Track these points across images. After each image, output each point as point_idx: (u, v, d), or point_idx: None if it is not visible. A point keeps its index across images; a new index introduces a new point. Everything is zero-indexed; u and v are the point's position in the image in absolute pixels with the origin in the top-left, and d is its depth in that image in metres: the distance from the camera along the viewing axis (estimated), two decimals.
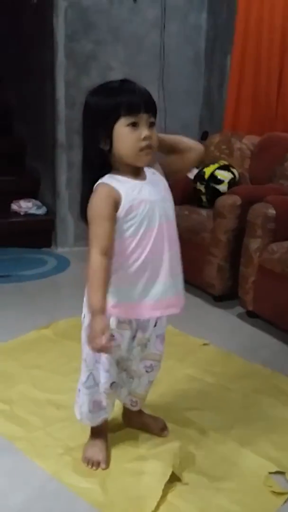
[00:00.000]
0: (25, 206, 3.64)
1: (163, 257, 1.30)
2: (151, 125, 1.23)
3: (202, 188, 2.93)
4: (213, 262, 2.63)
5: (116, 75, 3.53)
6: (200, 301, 2.73)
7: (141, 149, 1.21)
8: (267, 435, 1.62)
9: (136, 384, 1.51)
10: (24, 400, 1.77)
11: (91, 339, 1.21)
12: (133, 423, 1.62)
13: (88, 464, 1.46)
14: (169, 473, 1.40)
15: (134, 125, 1.20)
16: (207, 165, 2.96)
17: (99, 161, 1.25)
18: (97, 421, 1.48)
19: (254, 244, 2.38)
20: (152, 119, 1.23)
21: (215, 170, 2.91)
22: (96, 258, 1.20)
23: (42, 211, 3.66)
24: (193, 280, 2.81)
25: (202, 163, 3.18)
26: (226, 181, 2.88)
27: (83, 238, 3.59)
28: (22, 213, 3.63)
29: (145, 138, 1.20)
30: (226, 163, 2.99)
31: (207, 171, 2.92)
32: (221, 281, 2.63)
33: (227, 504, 1.34)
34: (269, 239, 2.36)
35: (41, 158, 3.77)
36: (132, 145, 1.21)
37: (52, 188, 3.56)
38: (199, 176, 2.95)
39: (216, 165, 2.93)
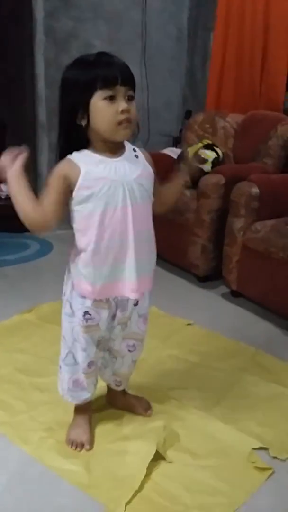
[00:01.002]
0: (6, 189, 3.57)
1: (128, 238, 1.27)
2: (130, 98, 1.20)
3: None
4: (197, 242, 2.61)
5: None
6: (184, 281, 2.72)
7: (119, 123, 1.19)
8: (251, 413, 1.63)
9: (120, 364, 1.50)
10: (7, 384, 1.75)
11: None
12: (117, 403, 1.61)
13: (72, 445, 1.45)
14: (153, 452, 1.40)
15: (111, 98, 1.17)
16: (191, 145, 2.93)
17: (75, 137, 1.23)
18: (79, 400, 1.48)
19: (237, 223, 2.37)
20: (130, 93, 1.20)
21: (199, 149, 2.87)
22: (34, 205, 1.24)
23: None
24: (177, 260, 2.80)
25: (185, 143, 3.15)
26: (210, 160, 2.85)
27: (66, 221, 3.54)
28: (3, 197, 3.55)
29: (123, 111, 1.18)
30: (210, 142, 2.95)
31: (191, 150, 2.88)
32: (205, 261, 2.62)
33: (212, 481, 1.35)
34: (252, 218, 2.35)
35: (22, 139, 3.68)
36: (110, 119, 1.18)
37: (33, 171, 3.49)
38: (183, 156, 2.92)
39: (200, 145, 2.90)
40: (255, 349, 2.02)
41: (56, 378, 1.57)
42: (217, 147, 2.94)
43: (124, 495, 1.28)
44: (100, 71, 1.17)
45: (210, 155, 2.87)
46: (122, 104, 1.17)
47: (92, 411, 1.55)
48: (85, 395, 1.46)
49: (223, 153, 2.95)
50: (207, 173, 2.73)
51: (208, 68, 3.38)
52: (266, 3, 3.00)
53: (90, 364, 1.41)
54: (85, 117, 1.19)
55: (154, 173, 1.32)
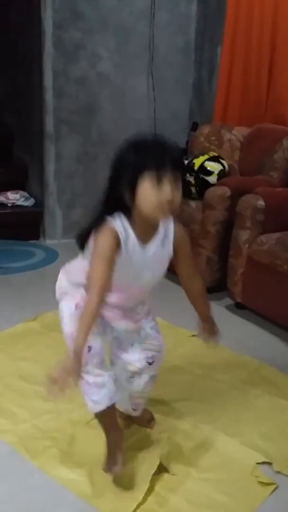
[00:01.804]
0: (13, 197, 3.60)
1: (134, 303, 1.40)
2: (177, 185, 1.21)
3: (191, 179, 2.91)
4: (202, 254, 2.62)
5: (105, 65, 3.51)
6: None
7: (162, 211, 1.22)
8: (255, 426, 1.62)
9: (137, 384, 1.46)
10: (11, 393, 1.75)
11: (58, 375, 1.16)
12: (120, 414, 1.61)
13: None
14: (157, 464, 1.39)
15: (158, 184, 1.19)
16: (197, 157, 2.95)
17: (117, 209, 1.26)
18: (102, 399, 1.34)
19: (243, 235, 2.37)
20: (178, 180, 1.21)
21: (204, 161, 2.89)
22: (94, 299, 1.22)
23: (30, 202, 3.62)
24: None
25: (191, 155, 3.17)
26: (216, 172, 2.87)
27: (71, 230, 3.56)
28: (9, 205, 3.58)
29: (168, 202, 1.20)
30: (215, 154, 2.97)
31: (197, 162, 2.90)
32: (210, 273, 2.62)
33: (215, 494, 1.34)
34: (258, 230, 2.36)
35: (29, 149, 3.72)
36: (154, 206, 1.20)
37: (40, 180, 3.52)
38: (189, 168, 2.93)
39: (206, 156, 2.92)
40: (259, 362, 2.01)
41: None
42: (222, 159, 2.96)
43: (126, 506, 1.27)
44: (150, 156, 1.19)
45: (216, 167, 2.88)
46: (168, 194, 1.19)
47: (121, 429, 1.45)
48: (103, 392, 1.33)
49: (229, 165, 2.97)
50: (213, 185, 2.75)
51: (215, 81, 3.41)
52: (274, 19, 3.04)
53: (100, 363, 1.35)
54: (131, 196, 1.21)
55: (187, 247, 1.38)
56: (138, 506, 1.28)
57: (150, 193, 1.19)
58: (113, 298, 1.31)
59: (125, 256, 1.25)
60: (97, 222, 1.25)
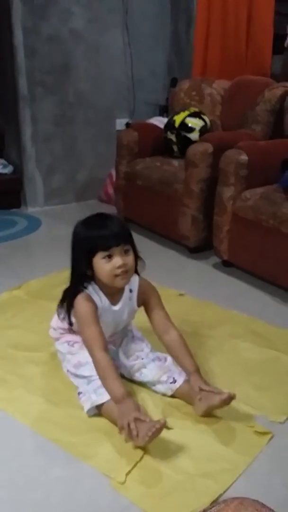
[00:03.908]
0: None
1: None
2: (126, 251, 1.45)
3: (173, 137, 2.84)
4: (187, 213, 2.58)
5: (77, 21, 3.35)
6: (175, 253, 2.71)
7: (116, 276, 1.44)
8: (247, 377, 1.64)
9: (149, 373, 1.55)
10: (1, 361, 1.73)
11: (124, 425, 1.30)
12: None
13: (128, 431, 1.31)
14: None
15: (109, 257, 1.43)
16: (177, 113, 2.87)
17: (84, 278, 1.49)
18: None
19: (227, 192, 2.34)
20: (126, 247, 1.44)
21: (185, 117, 2.81)
22: (100, 355, 1.42)
23: (8, 170, 3.52)
24: (168, 232, 2.78)
25: (172, 111, 3.08)
26: (197, 128, 2.80)
27: (53, 196, 3.49)
28: None
29: (119, 267, 1.43)
30: (196, 110, 2.89)
31: (177, 119, 2.83)
32: (195, 232, 2.60)
33: (214, 446, 1.35)
34: (242, 186, 2.32)
35: (3, 113, 3.58)
36: (108, 274, 1.44)
37: (17, 145, 3.41)
38: (169, 125, 2.86)
39: (187, 113, 2.84)
40: (247, 316, 2.02)
41: (49, 351, 1.62)
42: (204, 114, 2.88)
43: (124, 466, 1.28)
44: (98, 239, 1.42)
45: (197, 123, 2.81)
46: (118, 261, 1.42)
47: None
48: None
49: (210, 120, 2.90)
50: (194, 142, 2.68)
51: (193, 33, 3.28)
52: None
53: None
54: (89, 270, 1.47)
55: (155, 297, 1.58)
56: (135, 465, 1.28)
57: (103, 266, 1.43)
58: None
59: (100, 314, 1.48)
60: (72, 296, 1.48)
